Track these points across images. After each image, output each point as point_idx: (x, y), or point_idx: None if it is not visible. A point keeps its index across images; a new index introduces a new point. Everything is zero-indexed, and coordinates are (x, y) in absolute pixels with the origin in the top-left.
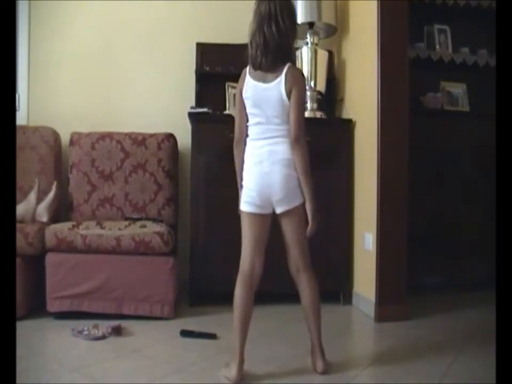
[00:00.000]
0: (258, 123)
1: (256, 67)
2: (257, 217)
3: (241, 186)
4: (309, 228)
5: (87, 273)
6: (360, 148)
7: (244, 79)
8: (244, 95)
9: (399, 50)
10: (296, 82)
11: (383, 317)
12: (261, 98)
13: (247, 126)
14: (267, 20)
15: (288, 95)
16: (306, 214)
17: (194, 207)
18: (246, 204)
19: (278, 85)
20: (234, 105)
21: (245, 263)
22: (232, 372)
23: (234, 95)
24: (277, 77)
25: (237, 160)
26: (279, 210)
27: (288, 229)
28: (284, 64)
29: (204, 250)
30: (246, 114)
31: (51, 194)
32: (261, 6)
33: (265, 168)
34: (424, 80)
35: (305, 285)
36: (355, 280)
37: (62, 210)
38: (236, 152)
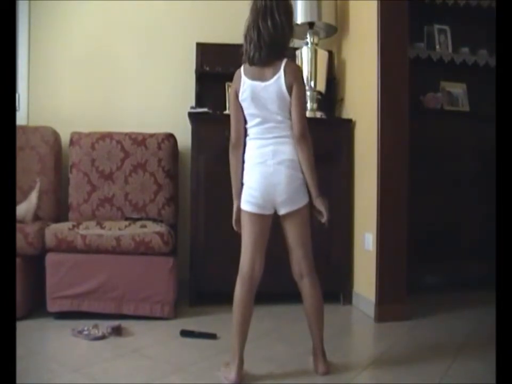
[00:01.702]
0: (259, 123)
1: (251, 62)
2: (259, 217)
3: (238, 195)
4: (324, 220)
5: (87, 273)
6: (360, 148)
7: (239, 80)
8: (241, 97)
9: (399, 50)
10: (296, 77)
11: (383, 317)
12: (260, 98)
13: (245, 129)
14: (262, 15)
15: (289, 90)
16: (308, 215)
17: (194, 207)
18: (248, 204)
19: (277, 81)
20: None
21: (244, 264)
22: (232, 373)
23: None
24: (275, 73)
25: (233, 168)
26: (282, 211)
27: (291, 231)
28: (281, 60)
29: (204, 250)
30: (244, 117)
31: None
32: (257, 2)
33: (269, 168)
34: (424, 80)
35: (308, 291)
36: (355, 280)
37: (62, 210)
38: (232, 157)
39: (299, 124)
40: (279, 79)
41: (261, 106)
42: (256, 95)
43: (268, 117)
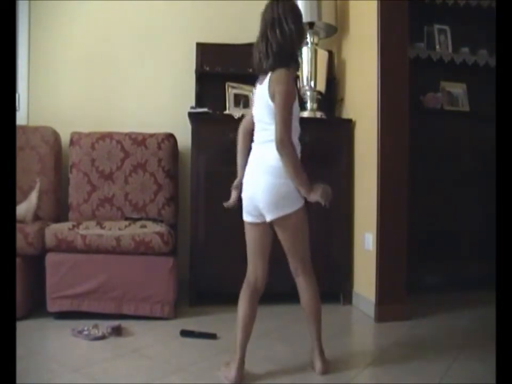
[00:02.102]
0: (256, 124)
1: (260, 71)
2: (253, 225)
3: (239, 171)
4: (324, 204)
5: (87, 273)
6: (360, 148)
7: None
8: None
9: (399, 50)
10: (277, 86)
11: (383, 317)
12: (256, 100)
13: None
14: (270, 25)
15: (272, 98)
16: (303, 218)
17: (194, 207)
18: (244, 213)
19: (264, 87)
20: (235, 105)
21: (249, 273)
22: (232, 372)
23: (235, 95)
24: (266, 79)
25: (238, 146)
26: (268, 218)
27: (282, 237)
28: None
29: (204, 250)
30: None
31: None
32: (266, 12)
33: (254, 175)
34: (424, 80)
35: (303, 290)
36: (355, 280)
37: (62, 210)
38: (238, 136)
39: (277, 133)
40: (265, 84)
41: (256, 108)
42: (255, 97)
43: (260, 119)
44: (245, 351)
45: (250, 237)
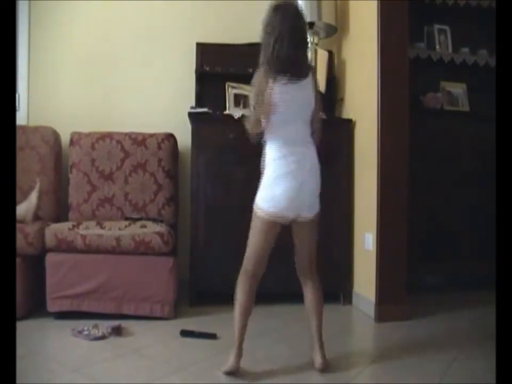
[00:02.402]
0: (287, 124)
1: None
2: (277, 226)
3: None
4: None
5: (87, 273)
6: (360, 148)
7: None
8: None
9: (399, 50)
10: (317, 87)
11: (383, 316)
12: (293, 100)
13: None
14: (294, 33)
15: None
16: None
17: (194, 207)
18: (272, 212)
19: (306, 87)
20: (235, 105)
21: (249, 264)
22: (230, 360)
23: (235, 95)
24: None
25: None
26: (309, 215)
27: (306, 235)
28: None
29: (204, 250)
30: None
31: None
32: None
33: (299, 175)
34: (424, 80)
35: (309, 289)
36: (355, 280)
37: (62, 210)
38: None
39: (319, 130)
40: (306, 85)
41: (295, 107)
42: (291, 96)
43: (297, 118)
44: (243, 338)
45: (268, 235)
